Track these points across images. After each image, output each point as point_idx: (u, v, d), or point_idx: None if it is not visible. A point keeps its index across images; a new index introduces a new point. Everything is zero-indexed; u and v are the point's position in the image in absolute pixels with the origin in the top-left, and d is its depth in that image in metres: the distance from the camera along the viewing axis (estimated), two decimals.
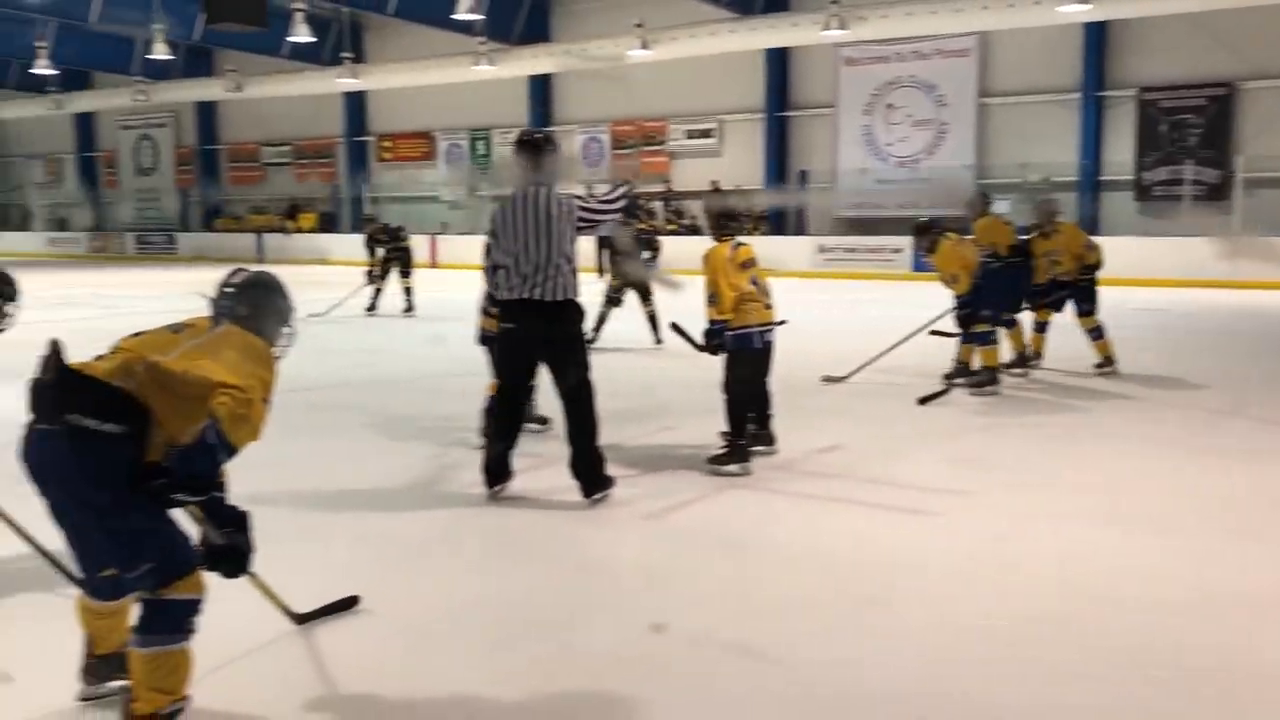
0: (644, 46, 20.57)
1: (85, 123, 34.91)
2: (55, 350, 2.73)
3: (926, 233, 8.22)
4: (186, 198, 33.46)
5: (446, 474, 5.78)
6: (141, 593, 2.71)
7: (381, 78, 25.81)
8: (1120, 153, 20.17)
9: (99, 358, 2.84)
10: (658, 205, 24.13)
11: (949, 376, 8.20)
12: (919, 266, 20.04)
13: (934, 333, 8.46)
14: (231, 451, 2.71)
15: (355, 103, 29.16)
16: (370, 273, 14.36)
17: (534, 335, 5.01)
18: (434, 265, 24.48)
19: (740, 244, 5.79)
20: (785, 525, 4.94)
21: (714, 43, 21.04)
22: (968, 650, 3.49)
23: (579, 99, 25.71)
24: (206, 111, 32.24)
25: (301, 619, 3.61)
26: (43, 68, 25.12)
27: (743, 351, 5.70)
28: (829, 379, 8.42)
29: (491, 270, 5.14)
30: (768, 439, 6.08)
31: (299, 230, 29.30)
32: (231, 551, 2.83)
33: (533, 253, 4.92)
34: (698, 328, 5.73)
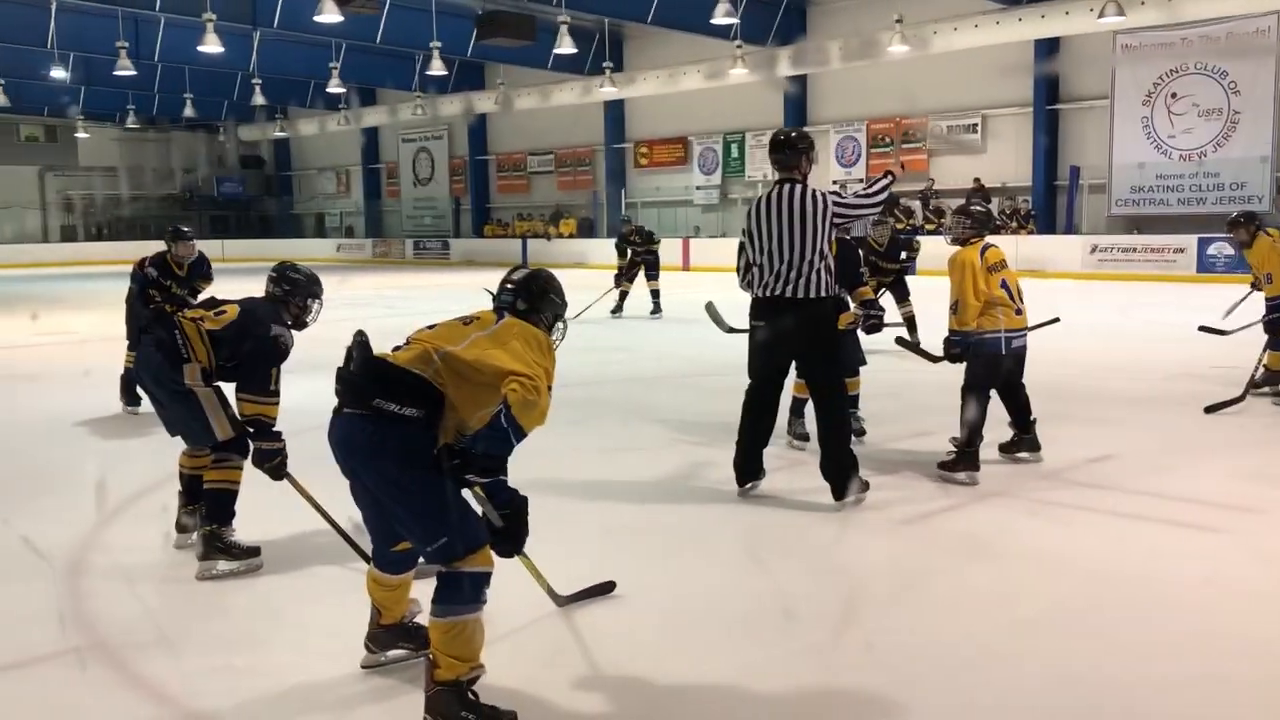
0: (903, 42, 20.05)
1: (371, 137, 37.72)
2: (362, 340, 2.98)
3: (1244, 225, 7.61)
4: (458, 206, 35.54)
5: (698, 470, 5.86)
6: (438, 566, 2.91)
7: (640, 85, 26.49)
8: None
9: (397, 348, 3.08)
10: (916, 204, 23.51)
11: (1256, 385, 7.49)
12: (1204, 268, 18.65)
13: (1202, 329, 7.82)
14: (520, 435, 2.87)
15: (614, 111, 30.06)
16: (618, 274, 14.63)
17: (785, 334, 5.01)
18: (686, 268, 24.91)
19: (989, 246, 5.56)
20: (1044, 536, 4.70)
21: (978, 35, 20.23)
22: (1253, 671, 3.21)
23: (834, 98, 25.43)
24: (478, 123, 34.10)
25: (564, 600, 3.77)
26: (335, 86, 27.36)
27: (982, 357, 5.47)
28: (1206, 329, 7.90)
29: (745, 268, 5.18)
30: (1032, 445, 5.81)
31: (559, 235, 30.54)
32: (510, 532, 2.99)
33: (785, 250, 4.93)
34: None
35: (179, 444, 4.53)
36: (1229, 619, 3.68)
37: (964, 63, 21.99)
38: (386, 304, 17.28)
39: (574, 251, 28.29)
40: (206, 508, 4.30)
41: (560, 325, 3.31)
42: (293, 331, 4.39)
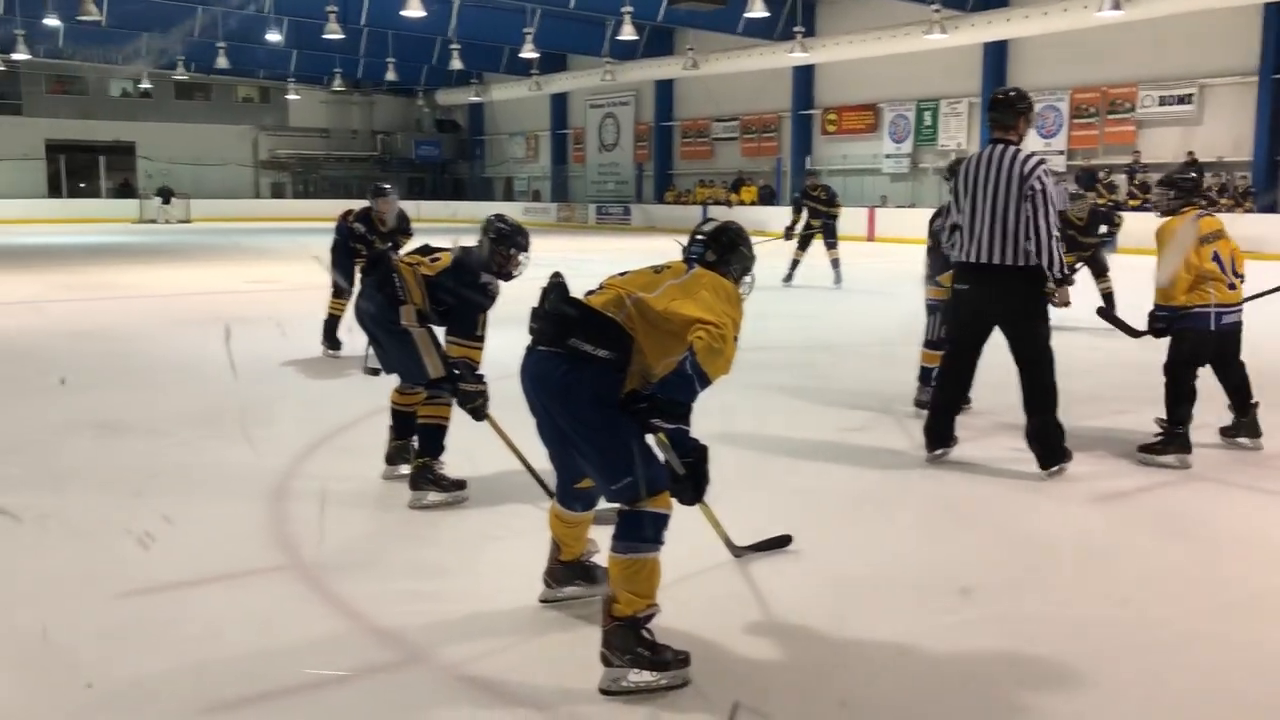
0: (1115, 6, 18.90)
1: (560, 102, 38.38)
2: (559, 281, 3.06)
3: None
4: (641, 171, 35.80)
5: (882, 435, 5.75)
6: (620, 505, 2.97)
7: (831, 50, 25.95)
8: None
9: (590, 293, 3.14)
10: (1121, 178, 22.25)
11: None
12: None
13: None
14: (705, 383, 2.90)
15: (803, 76, 29.57)
16: (789, 229, 13.83)
17: (987, 299, 4.83)
18: (870, 239, 24.36)
19: (1203, 214, 5.19)
20: (1252, 521, 4.41)
21: None
22: None
23: (1037, 65, 24.23)
24: (664, 90, 34.19)
25: (740, 551, 3.78)
26: (527, 52, 27.92)
27: (1188, 332, 5.11)
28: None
29: (950, 229, 5.00)
30: (1251, 430, 5.42)
31: (740, 203, 30.35)
32: (691, 480, 3.03)
33: (992, 214, 4.73)
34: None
35: (374, 386, 4.76)
36: None
37: (1179, 27, 20.59)
38: (569, 265, 17.52)
39: (754, 219, 28.08)
40: (420, 441, 4.54)
41: (748, 278, 3.32)
42: (499, 282, 4.55)
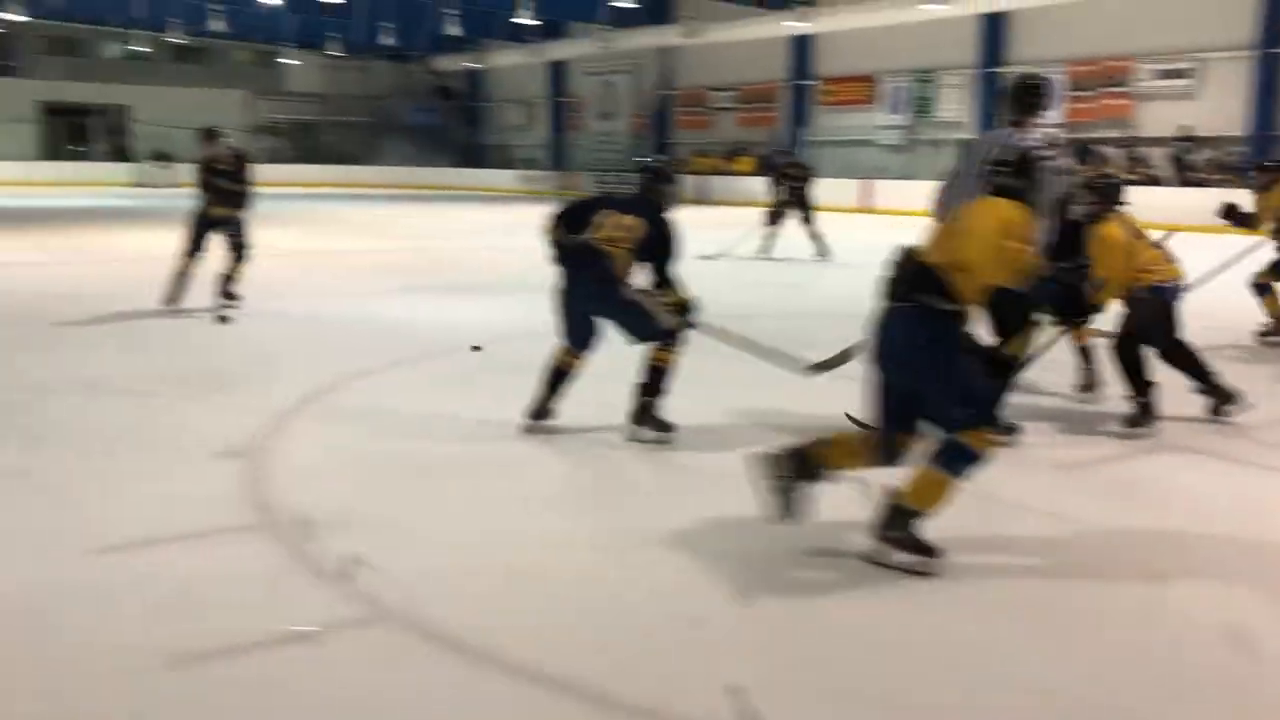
0: None
1: (557, 71, 38.15)
2: (909, 247, 3.54)
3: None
4: (639, 141, 35.63)
5: None
6: (947, 434, 3.39)
7: (830, 20, 25.80)
8: None
9: (911, 250, 3.55)
10: (1112, 151, 22.15)
11: None
12: None
13: None
14: (1023, 296, 3.47)
15: (800, 46, 29.41)
16: (775, 212, 13.72)
17: None
18: (865, 210, 24.27)
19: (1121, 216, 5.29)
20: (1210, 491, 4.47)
21: None
22: None
23: (1033, 37, 24.10)
24: (663, 58, 33.95)
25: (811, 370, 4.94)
26: (523, 17, 27.72)
27: (1137, 308, 5.25)
28: None
29: None
30: (1224, 398, 5.38)
31: (733, 173, 30.19)
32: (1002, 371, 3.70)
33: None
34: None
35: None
36: None
37: (1177, 1, 20.46)
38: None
39: (751, 190, 27.99)
40: (649, 381, 4.90)
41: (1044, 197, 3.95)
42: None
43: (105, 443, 4.87)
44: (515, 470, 4.57)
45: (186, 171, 33.60)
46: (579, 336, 4.98)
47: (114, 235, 16.53)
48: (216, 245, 8.54)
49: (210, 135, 8.64)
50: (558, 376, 4.99)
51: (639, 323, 4.88)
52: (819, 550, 3.60)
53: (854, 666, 2.88)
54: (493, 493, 4.25)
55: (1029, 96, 4.99)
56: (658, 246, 4.82)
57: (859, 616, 3.18)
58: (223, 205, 8.46)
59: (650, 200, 4.95)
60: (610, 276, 4.82)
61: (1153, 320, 5.22)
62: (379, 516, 3.97)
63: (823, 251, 13.48)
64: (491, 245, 16.30)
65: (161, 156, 33.81)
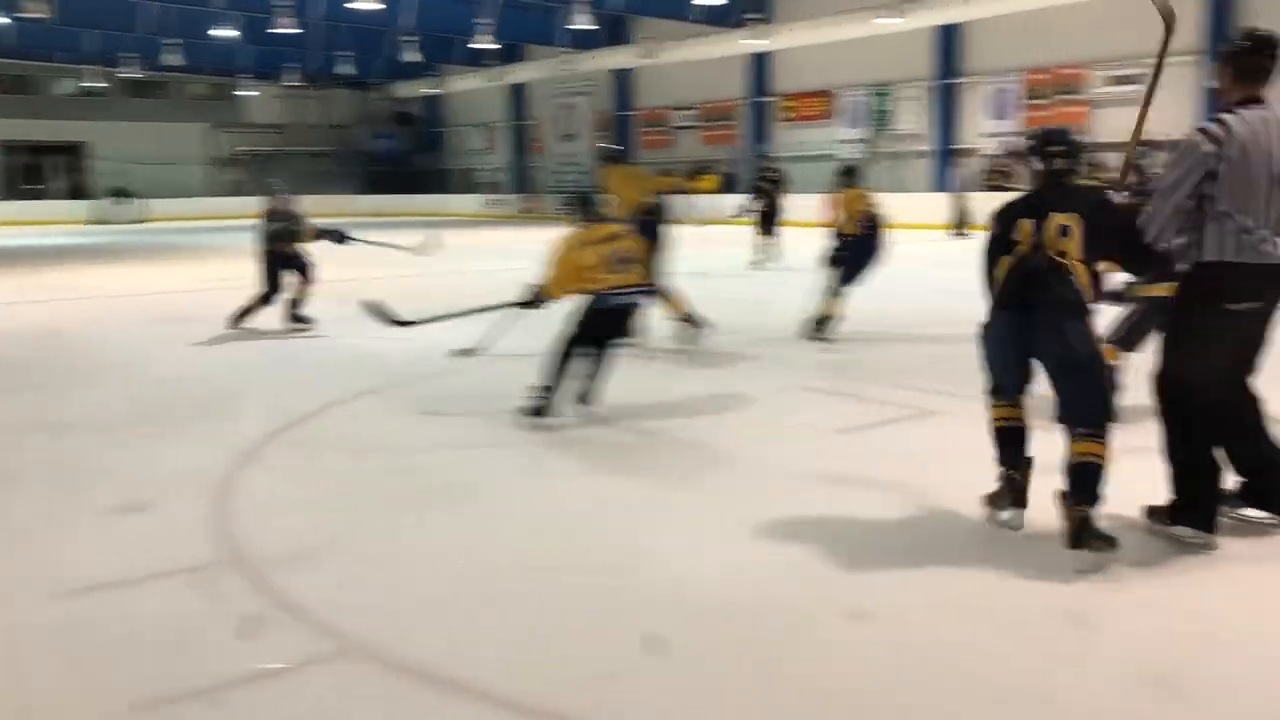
0: None
1: (517, 94, 38.19)
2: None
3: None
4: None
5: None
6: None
7: (785, 37, 26.00)
8: None
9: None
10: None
11: None
12: None
13: None
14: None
15: (759, 64, 29.61)
16: (764, 221, 14.08)
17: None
18: (829, 225, 24.37)
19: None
20: None
21: None
22: None
23: (988, 47, 24.43)
24: (622, 79, 34.12)
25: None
26: (482, 42, 27.73)
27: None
28: None
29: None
30: None
31: (696, 192, 30.29)
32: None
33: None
34: None
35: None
36: None
37: (1126, 7, 20.74)
38: (531, 256, 17.51)
39: (714, 207, 28.09)
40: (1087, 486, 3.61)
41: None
42: None
43: (72, 483, 4.79)
44: (486, 498, 4.52)
45: (143, 207, 33.65)
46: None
47: (73, 273, 16.32)
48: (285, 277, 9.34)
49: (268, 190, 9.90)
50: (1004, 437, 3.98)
51: (1089, 397, 3.78)
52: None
53: (842, 679, 2.86)
54: (465, 522, 4.21)
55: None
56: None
57: (844, 635, 3.17)
58: (288, 243, 9.37)
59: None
60: (1076, 307, 3.72)
61: None
62: (347, 549, 3.91)
63: (760, 262, 13.57)
64: (457, 270, 16.26)
65: (120, 193, 33.53)
